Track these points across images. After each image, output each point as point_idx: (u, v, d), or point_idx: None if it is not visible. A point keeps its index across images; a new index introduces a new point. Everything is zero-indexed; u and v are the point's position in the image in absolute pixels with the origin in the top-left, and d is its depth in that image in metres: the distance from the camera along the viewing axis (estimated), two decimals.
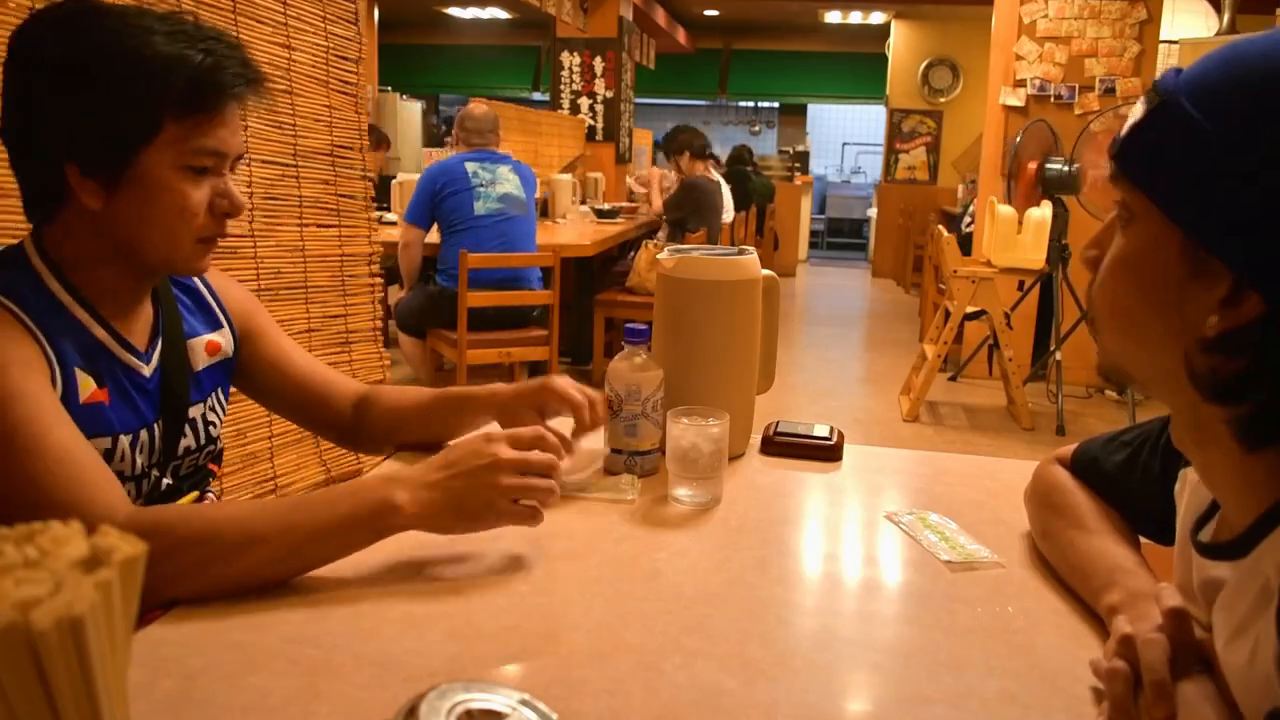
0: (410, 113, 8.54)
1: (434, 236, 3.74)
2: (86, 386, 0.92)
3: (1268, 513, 0.59)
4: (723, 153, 8.42)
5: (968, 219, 5.93)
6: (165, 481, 1.04)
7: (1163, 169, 0.57)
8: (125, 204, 0.90)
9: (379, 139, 5.59)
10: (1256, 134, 0.53)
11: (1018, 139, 4.23)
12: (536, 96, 11.45)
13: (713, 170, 5.86)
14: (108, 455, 0.94)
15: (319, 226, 2.13)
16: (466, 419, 1.16)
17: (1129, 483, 0.90)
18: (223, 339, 1.12)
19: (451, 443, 1.12)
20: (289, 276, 2.05)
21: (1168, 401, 0.65)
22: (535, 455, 0.90)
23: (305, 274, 2.10)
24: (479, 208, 3.65)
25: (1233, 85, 0.54)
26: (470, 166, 3.68)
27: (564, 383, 1.12)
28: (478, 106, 3.95)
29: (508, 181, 3.74)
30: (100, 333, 0.96)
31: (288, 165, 2.03)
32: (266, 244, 1.98)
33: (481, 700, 0.58)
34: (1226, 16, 4.96)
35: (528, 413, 1.11)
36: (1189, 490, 0.76)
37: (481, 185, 3.66)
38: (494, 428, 1.10)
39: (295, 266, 2.07)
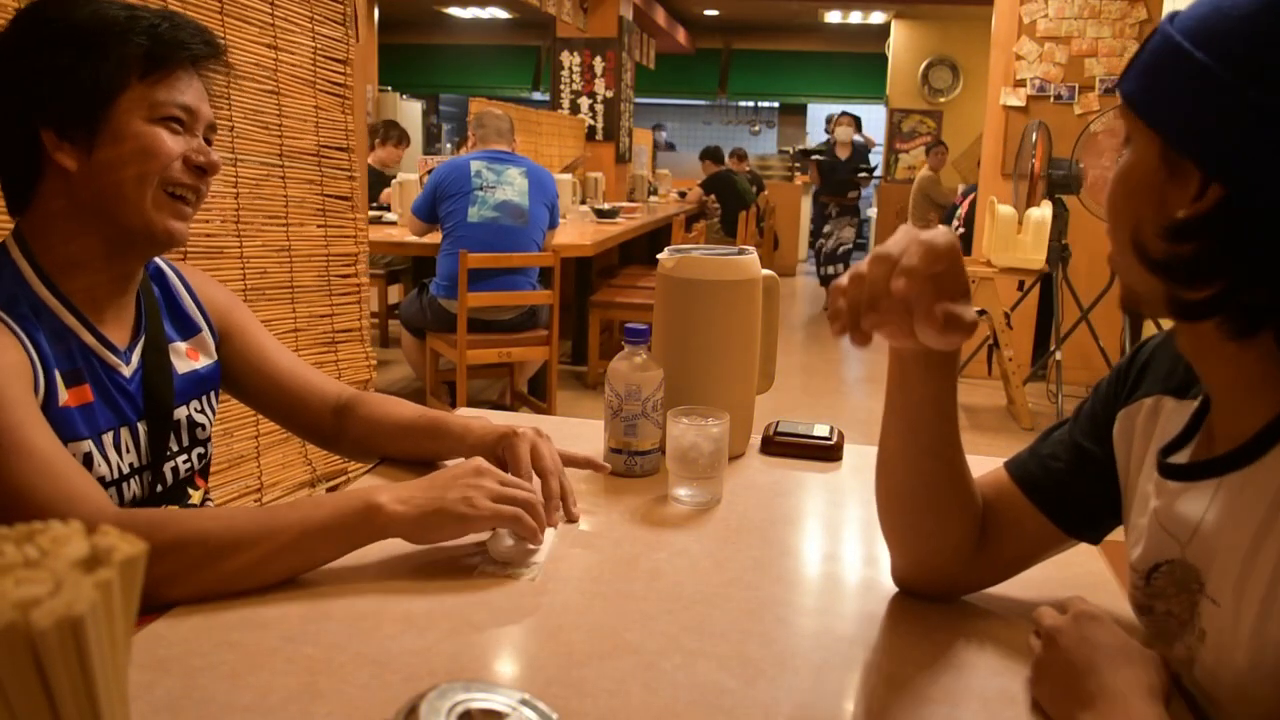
0: (410, 112, 8.55)
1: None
2: (67, 389, 0.93)
3: None
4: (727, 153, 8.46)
5: (955, 223, 5.92)
6: (151, 488, 1.03)
7: (1149, 87, 0.66)
8: (101, 159, 0.92)
9: (400, 135, 5.59)
10: (1223, 51, 0.60)
11: (1033, 138, 4.19)
12: (536, 96, 11.46)
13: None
14: (86, 460, 0.94)
15: (304, 227, 2.13)
16: (441, 448, 1.13)
17: (1059, 470, 0.85)
18: (200, 346, 1.11)
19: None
20: (275, 276, 2.05)
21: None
22: (518, 479, 0.94)
23: (291, 274, 2.10)
24: (473, 214, 3.55)
25: (1212, 12, 0.62)
26: (476, 165, 3.61)
27: (523, 445, 1.04)
28: (495, 107, 3.92)
29: (511, 186, 3.63)
30: (82, 332, 0.96)
31: (273, 165, 2.03)
32: (252, 244, 1.98)
33: (481, 700, 0.58)
34: None
35: (489, 459, 1.04)
36: (1142, 423, 0.78)
37: (482, 189, 3.58)
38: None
39: (281, 266, 2.07)
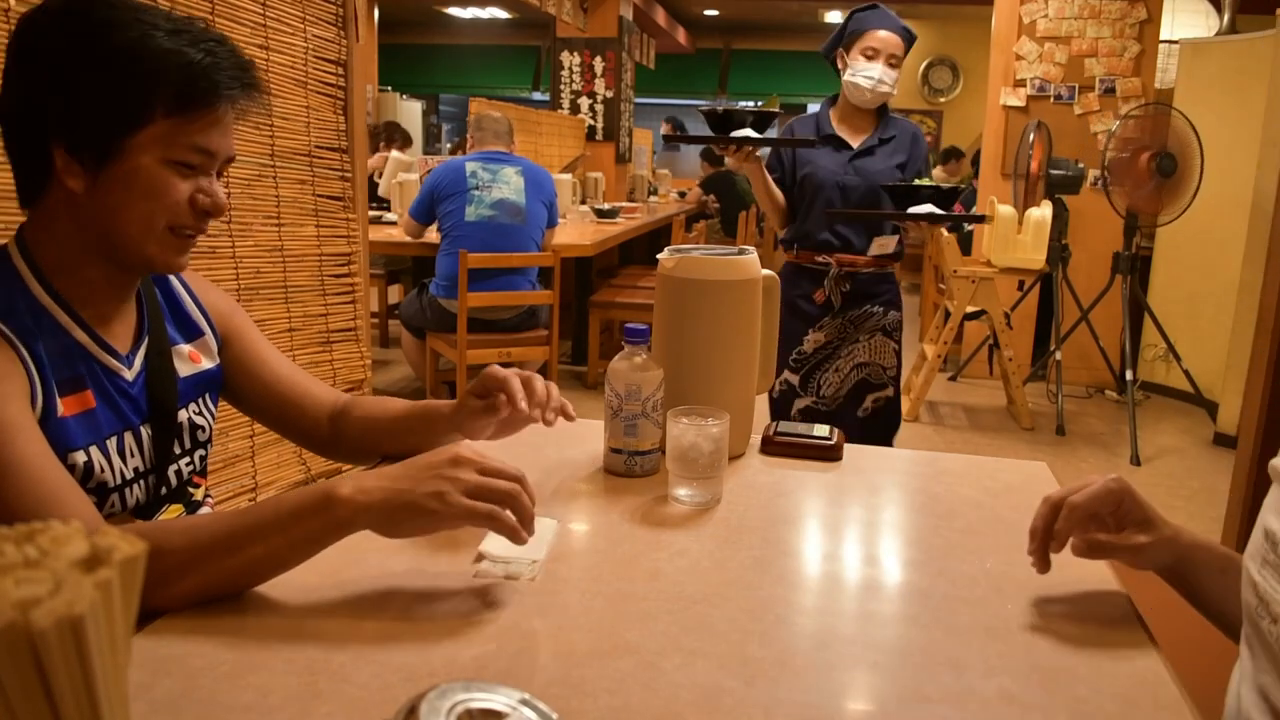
0: (410, 112, 8.54)
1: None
2: (67, 397, 0.92)
3: None
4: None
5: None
6: (155, 490, 1.03)
7: None
8: (107, 191, 0.90)
9: (405, 137, 5.59)
10: None
11: (1030, 139, 4.19)
12: (536, 96, 11.46)
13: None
14: (87, 469, 0.93)
15: (297, 227, 2.13)
16: (434, 430, 1.12)
17: None
18: (203, 348, 1.10)
19: None
20: (268, 276, 2.06)
21: None
22: (501, 464, 0.84)
23: (284, 274, 2.10)
24: (470, 213, 3.55)
25: None
26: (471, 166, 3.62)
27: (502, 370, 1.08)
28: (494, 109, 3.93)
29: (507, 185, 3.63)
30: (81, 336, 0.95)
31: (265, 165, 2.03)
32: (244, 244, 1.98)
33: (481, 700, 0.58)
34: (1226, 16, 4.96)
35: (476, 406, 1.07)
36: None
37: (478, 188, 3.57)
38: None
39: (274, 266, 2.07)
